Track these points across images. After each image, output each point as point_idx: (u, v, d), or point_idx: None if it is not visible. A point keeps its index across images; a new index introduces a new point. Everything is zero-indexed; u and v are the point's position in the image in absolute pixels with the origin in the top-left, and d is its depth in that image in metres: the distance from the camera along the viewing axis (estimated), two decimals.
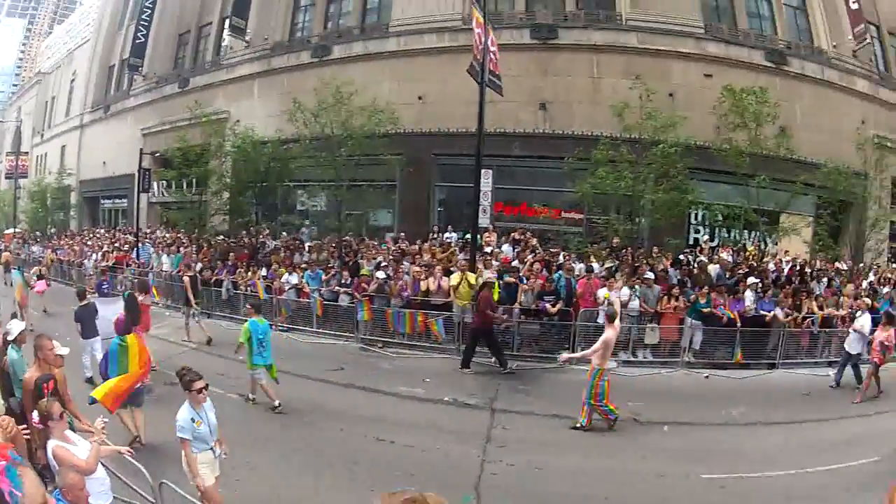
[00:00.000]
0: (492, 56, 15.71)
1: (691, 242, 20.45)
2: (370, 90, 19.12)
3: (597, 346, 9.32)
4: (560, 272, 14.39)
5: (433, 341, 14.05)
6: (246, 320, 10.31)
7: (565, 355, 10.66)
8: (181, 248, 20.54)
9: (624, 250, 16.63)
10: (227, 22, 26.27)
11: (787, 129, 18.71)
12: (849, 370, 11.99)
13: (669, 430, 9.58)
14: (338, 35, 23.89)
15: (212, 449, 5.85)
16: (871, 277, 18.13)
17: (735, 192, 17.74)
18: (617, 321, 9.74)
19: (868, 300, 13.86)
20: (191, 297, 14.53)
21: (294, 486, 7.26)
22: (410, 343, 14.07)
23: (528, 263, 14.96)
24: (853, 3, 23.65)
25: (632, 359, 13.49)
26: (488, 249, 16.24)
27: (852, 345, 12.06)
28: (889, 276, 18.54)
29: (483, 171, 16.11)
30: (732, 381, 12.73)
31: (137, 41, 31.03)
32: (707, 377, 12.90)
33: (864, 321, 12.05)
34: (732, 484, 7.73)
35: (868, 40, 24.01)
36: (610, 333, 9.34)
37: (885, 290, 16.71)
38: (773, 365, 13.79)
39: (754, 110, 16.78)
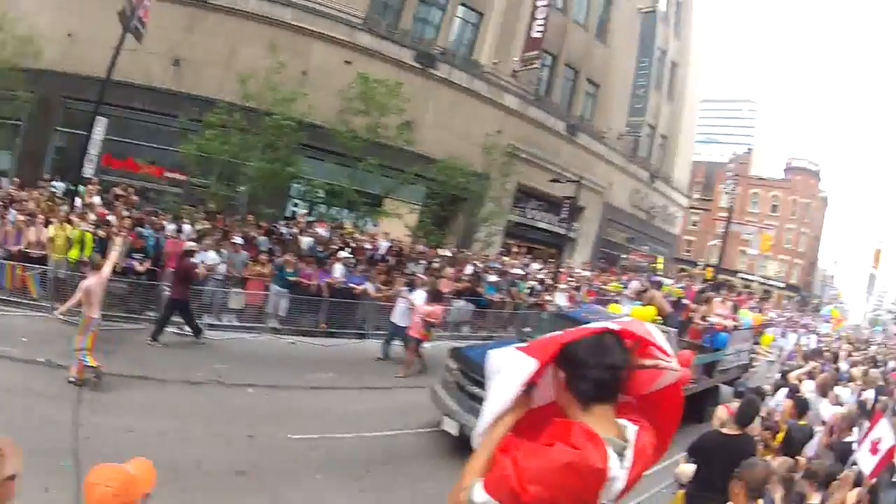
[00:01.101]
0: (146, 3, 16.10)
1: (288, 214, 21.35)
2: (30, 20, 18.29)
3: (77, 294, 9.13)
4: (151, 230, 14.16)
5: (31, 297, 12.99)
6: None
7: (60, 310, 10.04)
8: None
9: (219, 215, 16.92)
10: None
11: (414, 123, 20.65)
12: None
13: (257, 393, 9.86)
14: None
15: None
16: (480, 265, 20.57)
17: (343, 172, 18.98)
18: (105, 269, 9.28)
19: (426, 277, 15.69)
20: None
21: None
22: (8, 299, 12.81)
23: (121, 219, 14.24)
24: (536, 32, 27.40)
25: (217, 322, 13.53)
26: (85, 201, 15.63)
27: (399, 318, 13.12)
28: (498, 265, 21.50)
29: (98, 118, 16.10)
30: (320, 348, 13.47)
31: None
32: (293, 343, 13.46)
33: (418, 296, 13.05)
34: (325, 444, 8.19)
35: (536, 66, 28.00)
36: (91, 281, 9.01)
37: (492, 278, 19.44)
38: (362, 335, 14.95)
39: (380, 100, 18.17)
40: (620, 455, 1.89)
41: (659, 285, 18.27)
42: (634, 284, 17.46)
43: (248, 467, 7.17)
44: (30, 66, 18.12)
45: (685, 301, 15.22)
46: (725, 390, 13.61)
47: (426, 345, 12.95)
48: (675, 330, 11.67)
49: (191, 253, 12.32)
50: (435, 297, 13.02)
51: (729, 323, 13.90)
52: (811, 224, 75.15)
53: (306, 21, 21.47)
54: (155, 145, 20.68)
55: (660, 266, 33.34)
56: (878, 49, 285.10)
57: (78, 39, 19.66)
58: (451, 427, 8.44)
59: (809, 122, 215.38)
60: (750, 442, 5.98)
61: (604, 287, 22.35)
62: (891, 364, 28.23)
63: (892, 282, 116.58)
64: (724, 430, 5.96)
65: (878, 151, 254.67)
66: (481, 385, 7.73)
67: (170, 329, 11.89)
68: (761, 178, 76.10)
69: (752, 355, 16.25)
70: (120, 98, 17.96)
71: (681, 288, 19.33)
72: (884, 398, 11.78)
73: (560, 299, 19.80)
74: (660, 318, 12.05)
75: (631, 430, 1.99)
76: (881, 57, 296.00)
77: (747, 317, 16.66)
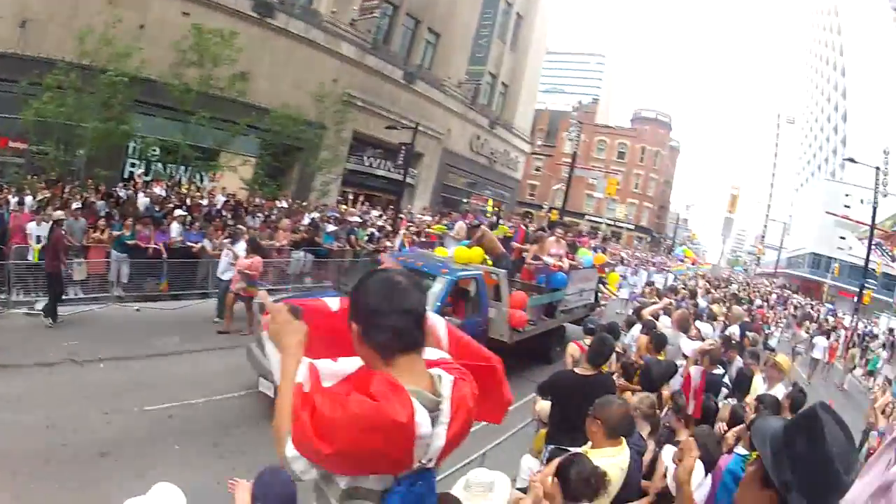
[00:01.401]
0: None
1: (126, 176, 20.98)
2: None
3: None
4: None
5: None
6: None
7: None
8: None
9: (58, 182, 16.52)
10: None
11: (249, 73, 20.95)
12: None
13: (108, 367, 9.59)
14: None
15: None
16: (317, 215, 20.69)
17: (177, 127, 19.01)
18: None
19: (244, 228, 15.58)
20: None
21: None
22: None
23: None
24: None
25: (64, 297, 12.51)
26: None
27: (223, 271, 12.98)
28: (336, 214, 21.92)
29: None
30: (165, 311, 13.12)
31: None
32: (138, 310, 13.03)
33: (240, 247, 12.80)
34: (179, 412, 8.19)
35: (375, 15, 28.89)
36: None
37: (330, 227, 19.47)
38: (205, 294, 14.65)
39: (213, 51, 18.38)
40: (434, 410, 1.81)
41: (493, 226, 17.73)
42: (459, 225, 15.60)
43: (111, 447, 7.07)
44: None
45: (514, 243, 14.82)
46: (575, 330, 13.55)
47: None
48: (505, 271, 11.72)
49: (60, 223, 11.94)
50: (254, 248, 12.63)
51: (565, 263, 13.53)
52: (661, 170, 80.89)
53: None
54: (1, 115, 18.86)
55: (490, 208, 35.00)
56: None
57: None
58: (266, 388, 8.18)
59: (660, 76, 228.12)
60: (607, 381, 5.82)
61: (428, 230, 21.85)
62: (757, 301, 31.07)
63: (751, 224, 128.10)
64: (579, 371, 5.80)
65: (733, 104, 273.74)
66: None
67: (19, 311, 11.61)
68: (607, 127, 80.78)
69: (599, 294, 16.39)
70: None
71: (510, 227, 19.43)
72: (751, 334, 12.32)
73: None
74: (490, 258, 12.32)
75: (446, 380, 1.89)
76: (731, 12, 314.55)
77: (587, 256, 16.05)
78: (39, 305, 11.82)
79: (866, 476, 1.85)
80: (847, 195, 58.38)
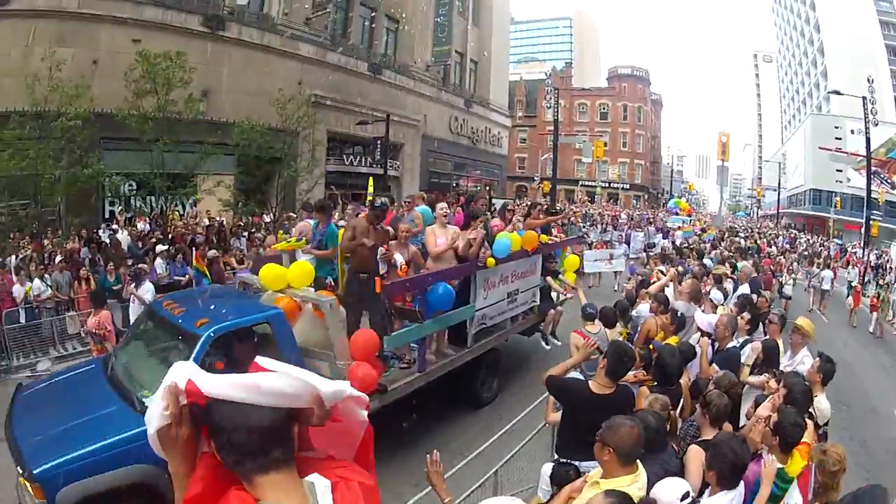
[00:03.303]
0: None
1: (107, 216, 20.72)
2: None
3: None
4: None
5: None
6: None
7: None
8: None
9: (33, 238, 16.15)
10: None
11: (208, 90, 21.29)
12: None
13: None
14: None
15: None
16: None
17: (145, 158, 18.53)
18: None
19: (145, 267, 14.06)
20: None
21: None
22: None
23: None
24: None
25: (63, 353, 12.77)
26: None
27: None
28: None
29: None
30: None
31: None
32: None
33: (144, 290, 11.90)
34: None
35: (328, 10, 29.04)
36: None
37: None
38: None
39: (165, 75, 17.84)
40: None
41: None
42: (300, 227, 10.21)
43: None
44: None
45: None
46: (521, 342, 12.34)
47: None
48: (330, 300, 7.44)
49: None
50: (98, 302, 10.51)
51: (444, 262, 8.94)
52: (646, 126, 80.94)
53: (90, 6, 20.84)
54: None
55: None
56: None
57: None
58: None
59: (631, 31, 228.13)
60: (625, 400, 5.10)
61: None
62: (766, 250, 29.18)
63: (746, 167, 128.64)
64: (595, 389, 4.99)
65: (708, 50, 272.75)
66: None
67: (23, 374, 11.42)
68: (585, 89, 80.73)
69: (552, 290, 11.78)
70: None
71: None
72: (766, 293, 11.52)
73: None
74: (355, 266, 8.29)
75: (322, 487, 1.64)
76: None
77: (505, 240, 9.71)
78: (42, 366, 11.83)
79: None
80: (837, 127, 58.70)
